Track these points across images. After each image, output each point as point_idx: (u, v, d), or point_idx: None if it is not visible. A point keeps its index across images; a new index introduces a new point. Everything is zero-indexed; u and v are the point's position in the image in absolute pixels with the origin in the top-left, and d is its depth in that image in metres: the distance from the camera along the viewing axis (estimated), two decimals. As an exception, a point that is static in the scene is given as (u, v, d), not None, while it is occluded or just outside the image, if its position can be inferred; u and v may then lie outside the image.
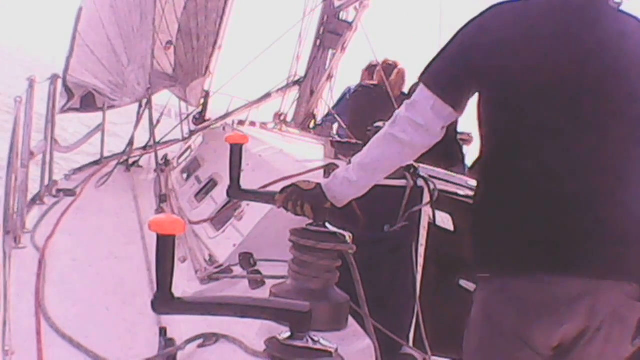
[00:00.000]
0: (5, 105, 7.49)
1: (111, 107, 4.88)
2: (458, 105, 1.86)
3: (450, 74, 1.88)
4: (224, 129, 4.83)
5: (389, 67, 5.43)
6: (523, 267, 1.75)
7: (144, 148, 5.24)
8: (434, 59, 1.90)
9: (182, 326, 2.05)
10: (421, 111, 1.87)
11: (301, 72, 5.50)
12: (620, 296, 1.72)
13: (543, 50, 1.76)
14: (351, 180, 1.98)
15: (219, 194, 3.31)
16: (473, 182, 3.10)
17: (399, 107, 1.96)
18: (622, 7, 1.83)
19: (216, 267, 2.57)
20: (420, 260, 2.75)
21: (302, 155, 3.43)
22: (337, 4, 5.26)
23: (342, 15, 5.36)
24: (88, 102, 4.74)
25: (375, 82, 5.48)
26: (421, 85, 1.89)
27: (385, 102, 4.85)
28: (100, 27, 4.51)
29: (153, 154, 4.77)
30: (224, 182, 2.84)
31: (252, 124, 4.72)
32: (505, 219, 1.81)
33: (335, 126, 5.61)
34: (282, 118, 5.40)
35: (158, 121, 5.11)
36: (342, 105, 5.61)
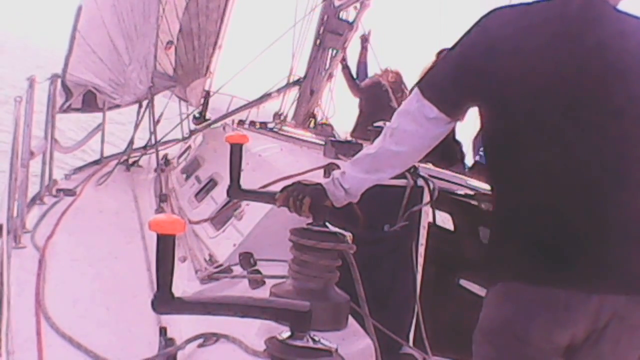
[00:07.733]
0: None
1: (112, 107, 4.88)
2: (453, 113, 1.86)
3: (449, 78, 1.87)
4: (224, 128, 4.83)
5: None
6: (526, 275, 1.76)
7: (144, 148, 5.24)
8: (434, 66, 1.89)
9: (182, 326, 2.05)
10: (414, 118, 1.86)
11: (301, 72, 5.50)
12: (627, 305, 1.72)
13: (543, 50, 1.76)
14: (344, 188, 1.98)
15: (219, 194, 3.31)
16: (473, 182, 3.10)
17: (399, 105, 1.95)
18: (622, 8, 1.83)
19: (216, 267, 2.57)
20: (420, 260, 2.75)
21: (302, 155, 3.43)
22: (337, 3, 5.26)
23: (342, 14, 5.36)
24: (89, 102, 4.73)
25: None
26: (417, 91, 1.89)
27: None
28: (102, 26, 4.49)
29: (153, 154, 4.78)
30: (224, 181, 2.84)
31: (252, 123, 4.71)
32: (507, 222, 1.82)
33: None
34: (282, 118, 5.40)
35: (158, 121, 5.11)
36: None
